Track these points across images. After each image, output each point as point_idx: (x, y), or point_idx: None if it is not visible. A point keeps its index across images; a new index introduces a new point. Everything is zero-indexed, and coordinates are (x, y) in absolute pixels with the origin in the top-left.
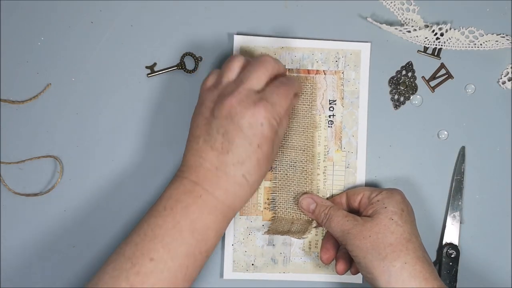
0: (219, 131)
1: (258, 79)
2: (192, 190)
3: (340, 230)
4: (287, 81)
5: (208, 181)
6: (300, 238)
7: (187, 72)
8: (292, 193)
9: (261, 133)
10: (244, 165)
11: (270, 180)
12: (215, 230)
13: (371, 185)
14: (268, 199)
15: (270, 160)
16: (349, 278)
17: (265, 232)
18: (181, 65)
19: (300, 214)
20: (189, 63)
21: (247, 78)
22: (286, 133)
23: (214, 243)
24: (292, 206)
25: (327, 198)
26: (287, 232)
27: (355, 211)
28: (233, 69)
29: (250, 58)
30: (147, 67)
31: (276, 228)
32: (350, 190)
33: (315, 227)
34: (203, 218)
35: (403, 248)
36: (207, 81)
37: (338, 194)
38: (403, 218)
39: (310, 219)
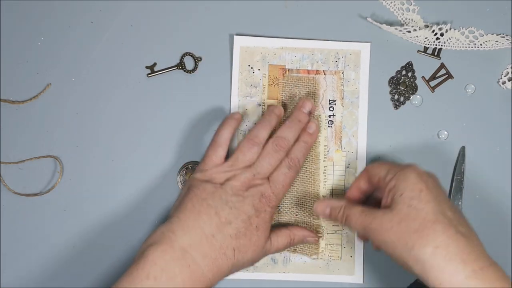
0: (228, 204)
1: (269, 168)
2: (181, 257)
3: (361, 228)
4: (295, 166)
5: (201, 247)
6: (310, 257)
7: (186, 72)
8: (295, 193)
9: (262, 217)
10: (238, 240)
11: None
12: None
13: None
14: None
15: (260, 244)
16: (349, 278)
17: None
18: (181, 65)
19: (304, 214)
20: (189, 63)
21: (261, 167)
22: None
23: None
24: (295, 206)
25: (334, 193)
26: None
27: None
28: (247, 154)
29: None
30: (147, 67)
31: None
32: (370, 166)
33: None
34: None
35: (430, 232)
36: (212, 157)
37: (359, 175)
38: (422, 200)
39: (315, 234)
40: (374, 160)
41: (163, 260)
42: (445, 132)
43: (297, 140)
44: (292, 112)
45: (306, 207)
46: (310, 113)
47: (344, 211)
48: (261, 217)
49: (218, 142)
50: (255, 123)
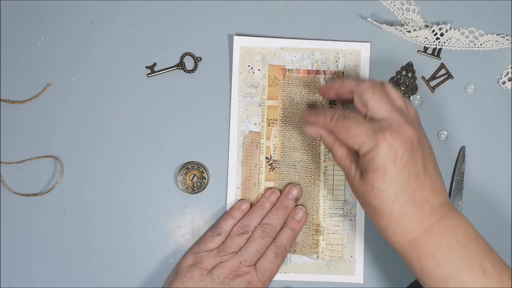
0: None
1: (256, 255)
2: None
3: (340, 165)
4: (282, 253)
5: None
6: (311, 257)
7: (186, 72)
8: None
9: None
10: None
11: (274, 181)
12: None
13: None
14: None
15: None
16: (349, 278)
17: None
18: (180, 65)
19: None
20: (189, 63)
21: (248, 254)
22: (289, 133)
23: None
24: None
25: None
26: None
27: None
28: (236, 240)
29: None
30: (147, 67)
31: None
32: (341, 85)
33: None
34: None
35: (386, 211)
36: (208, 243)
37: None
38: (386, 181)
39: (315, 234)
40: None
41: None
42: (445, 132)
43: (284, 226)
44: (279, 200)
45: (307, 207)
46: (297, 199)
47: (333, 146)
48: None
49: (218, 230)
50: (252, 206)
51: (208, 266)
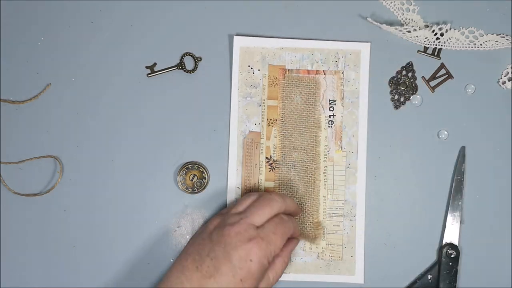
0: (209, 255)
1: (261, 216)
2: None
3: None
4: (288, 220)
5: None
6: (312, 243)
7: (186, 72)
8: (295, 193)
9: (247, 269)
10: None
11: (274, 181)
12: None
13: (371, 186)
14: None
15: None
16: (350, 278)
17: None
18: (180, 65)
19: (304, 214)
20: (189, 63)
21: (251, 213)
22: (289, 133)
23: None
24: None
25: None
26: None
27: None
28: (243, 204)
29: (262, 192)
30: (147, 67)
31: None
32: None
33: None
34: None
35: None
36: (228, 208)
37: None
38: None
39: (317, 221)
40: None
41: None
42: (445, 132)
43: None
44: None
45: (307, 207)
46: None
47: None
48: (246, 266)
49: (242, 204)
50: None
51: (211, 227)
